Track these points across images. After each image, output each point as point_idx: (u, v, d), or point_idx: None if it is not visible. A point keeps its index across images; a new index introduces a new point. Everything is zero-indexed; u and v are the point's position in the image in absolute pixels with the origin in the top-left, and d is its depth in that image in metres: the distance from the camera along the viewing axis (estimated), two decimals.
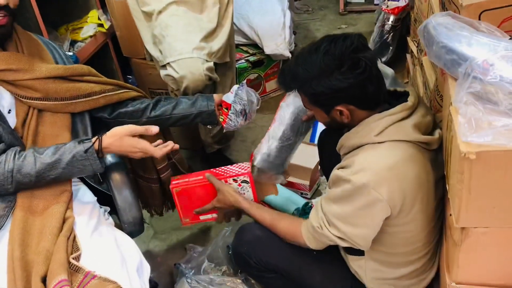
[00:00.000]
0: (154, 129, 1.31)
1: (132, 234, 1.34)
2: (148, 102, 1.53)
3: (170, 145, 1.36)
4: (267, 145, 1.53)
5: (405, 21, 3.02)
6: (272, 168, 1.57)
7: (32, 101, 1.27)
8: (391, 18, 2.98)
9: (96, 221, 1.28)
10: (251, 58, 2.87)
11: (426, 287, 1.32)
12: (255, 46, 2.93)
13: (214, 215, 1.65)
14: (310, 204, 2.03)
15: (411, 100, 1.19)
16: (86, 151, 1.20)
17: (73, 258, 1.13)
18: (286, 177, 1.69)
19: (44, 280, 1.09)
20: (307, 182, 2.20)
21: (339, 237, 1.20)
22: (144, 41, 2.02)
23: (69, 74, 1.33)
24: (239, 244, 1.44)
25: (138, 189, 1.71)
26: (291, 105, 1.52)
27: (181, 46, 1.90)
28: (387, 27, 3.01)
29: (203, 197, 1.65)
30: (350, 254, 1.32)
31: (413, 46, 2.45)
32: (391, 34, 3.02)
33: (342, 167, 1.20)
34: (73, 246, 1.17)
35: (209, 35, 1.96)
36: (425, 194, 1.17)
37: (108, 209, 1.40)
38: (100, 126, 1.47)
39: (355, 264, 1.32)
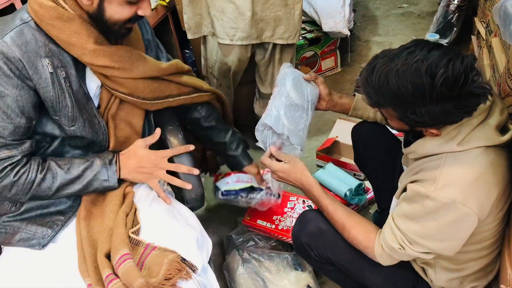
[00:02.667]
0: (157, 132, 1.36)
1: (193, 209, 1.36)
2: (208, 124, 1.58)
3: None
4: (274, 112, 1.39)
5: (472, 1, 2.87)
6: (290, 133, 1.41)
7: (117, 93, 1.27)
8: None
9: (156, 193, 1.32)
10: (308, 35, 2.83)
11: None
12: (313, 23, 2.89)
13: (269, 225, 1.78)
14: (363, 185, 2.01)
15: (488, 98, 1.08)
16: (109, 163, 1.24)
17: (132, 232, 1.16)
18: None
19: (108, 256, 1.13)
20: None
21: (424, 253, 1.16)
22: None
23: (161, 75, 1.33)
24: (300, 233, 1.38)
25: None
26: (288, 72, 1.46)
27: (232, 33, 1.95)
28: (452, 7, 2.88)
29: (275, 205, 1.78)
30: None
31: (480, 27, 2.33)
32: (456, 14, 2.89)
33: (418, 181, 1.13)
34: (133, 220, 1.21)
35: (277, 19, 1.97)
36: (507, 194, 1.12)
37: None
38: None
39: (420, 261, 1.29)
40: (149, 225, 1.21)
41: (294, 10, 2.04)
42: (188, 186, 1.31)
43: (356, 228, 1.28)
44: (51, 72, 1.12)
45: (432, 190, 1.07)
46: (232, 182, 1.67)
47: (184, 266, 1.10)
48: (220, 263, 1.80)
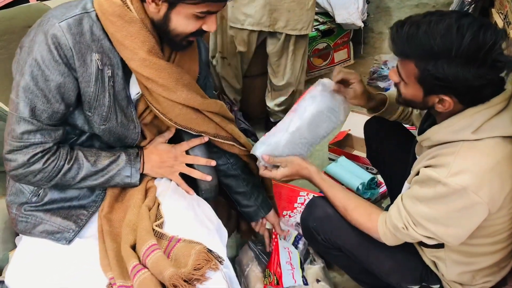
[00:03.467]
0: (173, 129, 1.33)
1: (207, 200, 1.35)
2: (234, 173, 1.47)
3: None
4: (276, 138, 1.36)
5: None
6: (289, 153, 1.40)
7: (152, 107, 1.23)
8: None
9: (175, 186, 1.31)
10: (321, 27, 2.79)
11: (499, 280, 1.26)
12: (326, 15, 2.85)
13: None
14: (376, 179, 1.99)
15: (509, 88, 1.08)
16: (131, 164, 1.23)
17: (156, 226, 1.16)
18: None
19: (133, 248, 1.13)
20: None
21: (426, 236, 1.15)
22: None
23: (202, 108, 1.26)
24: (308, 218, 1.40)
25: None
26: (317, 99, 1.34)
27: (243, 18, 1.96)
28: None
29: (285, 199, 1.78)
30: (427, 247, 1.26)
31: (498, 18, 2.28)
32: (472, 5, 2.82)
33: (431, 166, 1.11)
34: (156, 214, 1.20)
35: (291, 9, 1.96)
36: None
37: None
38: None
39: (432, 254, 1.28)
40: (172, 218, 1.20)
41: (308, 1, 2.02)
42: (208, 178, 1.30)
43: (358, 209, 1.29)
44: (99, 69, 1.10)
45: (445, 176, 1.06)
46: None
47: (212, 257, 1.09)
48: (230, 257, 1.79)
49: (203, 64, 1.35)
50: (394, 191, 1.70)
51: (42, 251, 1.17)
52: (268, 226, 1.59)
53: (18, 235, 1.26)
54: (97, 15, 1.09)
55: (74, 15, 1.07)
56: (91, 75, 1.09)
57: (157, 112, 1.22)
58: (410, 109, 1.50)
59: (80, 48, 1.07)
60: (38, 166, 1.11)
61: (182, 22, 1.09)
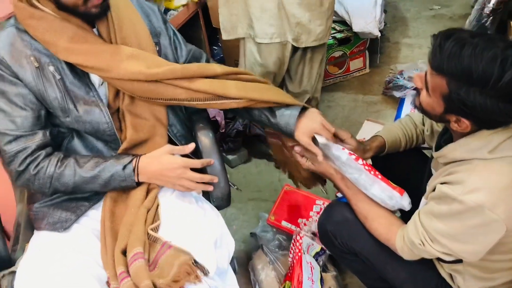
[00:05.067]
0: (191, 146, 1.25)
1: (218, 207, 1.35)
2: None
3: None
4: (338, 154, 1.34)
5: (508, 5, 2.80)
6: None
7: (113, 86, 1.25)
8: (493, 0, 2.77)
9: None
10: (338, 35, 2.80)
11: None
12: (343, 23, 2.86)
13: (294, 227, 1.71)
14: None
15: None
16: (124, 168, 1.20)
17: (151, 229, 1.16)
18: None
19: (124, 253, 1.13)
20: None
21: (443, 253, 1.15)
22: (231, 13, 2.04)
23: (149, 80, 1.22)
24: (326, 221, 1.40)
25: (285, 158, 1.57)
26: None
27: (272, 31, 1.93)
28: (487, 10, 2.81)
29: (300, 207, 1.73)
30: (445, 262, 1.26)
31: None
32: (491, 17, 2.81)
33: (447, 183, 1.11)
34: (154, 216, 1.21)
35: (308, 20, 1.95)
36: None
37: None
38: None
39: (450, 268, 1.27)
40: (169, 222, 1.20)
41: (328, 10, 2.03)
42: (215, 180, 1.26)
43: (379, 219, 1.30)
44: (36, 67, 1.16)
45: (460, 193, 1.06)
46: None
47: (195, 269, 1.08)
48: (244, 261, 1.81)
49: (158, 26, 1.34)
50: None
51: (44, 242, 1.20)
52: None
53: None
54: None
55: (3, 32, 1.17)
56: (32, 74, 1.16)
57: (121, 89, 1.24)
58: (415, 138, 1.52)
59: (13, 55, 1.15)
60: (29, 173, 1.18)
61: None
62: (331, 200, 1.85)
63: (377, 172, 1.32)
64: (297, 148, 1.39)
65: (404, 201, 1.31)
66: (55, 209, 1.24)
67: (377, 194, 1.31)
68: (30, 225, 1.32)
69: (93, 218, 1.26)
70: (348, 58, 2.90)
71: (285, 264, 1.71)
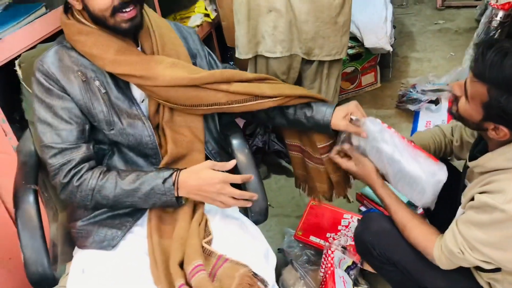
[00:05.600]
0: (232, 163, 1.23)
1: (256, 222, 1.36)
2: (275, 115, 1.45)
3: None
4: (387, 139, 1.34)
5: None
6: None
7: (155, 99, 1.29)
8: (500, 13, 2.82)
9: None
10: (350, 51, 2.85)
11: None
12: (354, 39, 2.90)
13: (322, 242, 1.72)
14: None
15: None
16: (164, 182, 1.19)
17: (205, 243, 1.17)
18: None
19: (181, 265, 1.14)
20: None
21: (483, 261, 1.16)
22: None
23: (193, 84, 1.27)
24: (364, 232, 1.41)
25: (307, 172, 1.63)
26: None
27: (283, 46, 1.97)
28: (494, 23, 2.86)
29: (328, 221, 1.73)
30: (484, 271, 1.26)
31: None
32: (499, 30, 2.87)
33: (487, 192, 1.12)
34: (205, 230, 1.22)
35: (321, 37, 1.99)
36: None
37: None
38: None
39: (487, 277, 1.27)
40: (220, 236, 1.22)
41: (343, 27, 2.07)
42: (254, 197, 1.25)
43: (417, 229, 1.30)
44: (83, 80, 1.21)
45: (501, 202, 1.07)
46: None
47: (255, 281, 1.09)
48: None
49: (194, 48, 1.41)
50: (437, 217, 1.71)
51: (92, 261, 1.21)
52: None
53: (74, 248, 1.32)
54: (69, 42, 1.23)
55: (52, 49, 1.23)
56: (79, 88, 1.20)
57: (162, 101, 1.28)
58: (443, 146, 1.53)
59: (62, 70, 1.20)
60: (73, 184, 1.19)
61: (92, 1, 1.16)
62: (358, 218, 1.87)
63: (415, 145, 1.35)
64: (346, 146, 1.41)
65: (443, 173, 1.34)
66: (100, 227, 1.24)
67: (413, 170, 1.32)
68: (68, 244, 1.33)
69: (138, 234, 1.26)
70: (360, 73, 2.94)
71: (315, 279, 1.70)
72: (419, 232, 1.30)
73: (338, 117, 1.38)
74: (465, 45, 3.21)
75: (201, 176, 1.20)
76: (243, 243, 1.21)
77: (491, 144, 1.20)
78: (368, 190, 2.07)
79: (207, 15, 2.62)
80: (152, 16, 1.34)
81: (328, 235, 1.81)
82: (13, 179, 1.57)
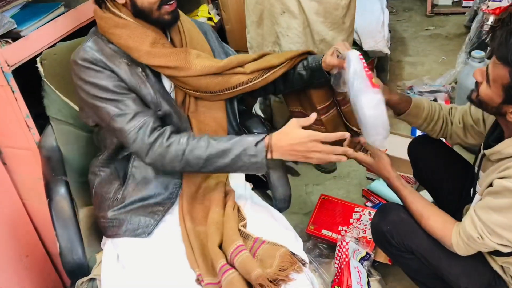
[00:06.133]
0: (313, 116, 1.20)
1: (280, 210, 1.42)
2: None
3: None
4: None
5: (505, 21, 2.97)
6: None
7: (186, 90, 1.36)
8: (491, 18, 2.94)
9: (250, 193, 1.38)
10: None
11: None
12: (353, 43, 2.98)
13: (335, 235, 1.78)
14: None
15: None
16: (256, 144, 1.17)
17: (241, 226, 1.23)
18: None
19: (219, 247, 1.19)
20: (411, 175, 2.22)
21: (502, 245, 1.21)
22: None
23: (220, 71, 1.36)
24: (381, 222, 1.46)
25: None
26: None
27: (297, 47, 2.03)
28: (486, 27, 2.98)
29: (339, 215, 1.78)
30: (499, 255, 1.32)
31: None
32: (490, 34, 2.99)
33: (506, 177, 1.17)
34: (238, 216, 1.27)
35: (331, 38, 2.05)
36: None
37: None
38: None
39: (501, 261, 1.33)
40: (253, 221, 1.27)
41: (349, 28, 2.14)
42: (343, 159, 1.23)
43: (434, 217, 1.36)
44: (128, 65, 1.26)
45: None
46: None
47: (295, 260, 1.15)
48: None
49: (214, 43, 1.49)
50: (444, 207, 1.77)
51: (127, 248, 1.25)
52: None
53: (102, 240, 1.35)
54: (103, 35, 1.28)
55: (90, 39, 1.29)
56: (126, 71, 1.25)
57: (191, 91, 1.35)
58: (436, 117, 1.58)
59: (107, 57, 1.25)
60: (163, 145, 1.20)
61: None
62: (369, 211, 1.92)
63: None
64: (362, 138, 1.46)
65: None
66: (133, 216, 1.27)
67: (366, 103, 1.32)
68: (94, 236, 1.36)
69: (170, 222, 1.30)
70: None
71: (328, 271, 1.74)
72: (436, 220, 1.35)
73: (327, 55, 1.42)
74: (456, 50, 3.32)
75: (292, 136, 1.18)
76: (274, 227, 1.27)
77: (507, 130, 1.26)
78: (374, 186, 2.14)
79: (210, 19, 2.67)
80: (183, 18, 1.41)
81: (340, 228, 1.86)
82: (32, 175, 1.60)
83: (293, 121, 1.20)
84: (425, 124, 1.61)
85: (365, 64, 1.35)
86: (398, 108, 1.59)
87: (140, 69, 1.27)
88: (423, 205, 1.39)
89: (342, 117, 1.66)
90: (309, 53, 1.52)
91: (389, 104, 1.55)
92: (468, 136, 1.56)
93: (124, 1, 1.24)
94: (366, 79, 1.32)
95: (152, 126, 1.22)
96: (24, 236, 1.68)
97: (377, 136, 1.37)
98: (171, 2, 1.25)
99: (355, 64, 1.33)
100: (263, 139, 1.19)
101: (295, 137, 1.17)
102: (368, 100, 1.31)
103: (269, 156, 1.18)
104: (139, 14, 1.25)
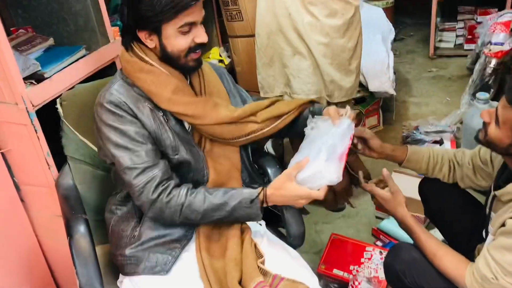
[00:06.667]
0: (305, 161, 1.27)
1: (293, 246, 1.43)
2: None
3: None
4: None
5: (507, 63, 3.06)
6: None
7: (202, 132, 1.40)
8: (493, 61, 3.03)
9: (264, 230, 1.40)
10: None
11: None
12: (359, 84, 3.06)
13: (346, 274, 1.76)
14: None
15: None
16: (251, 201, 1.26)
17: (260, 263, 1.24)
18: None
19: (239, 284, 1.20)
20: (419, 214, 2.24)
21: None
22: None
23: (234, 121, 1.41)
24: (394, 261, 1.46)
25: None
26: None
27: (309, 88, 2.10)
28: (488, 70, 3.06)
29: (350, 254, 1.77)
30: None
31: None
32: (493, 77, 3.06)
33: None
34: (256, 252, 1.29)
35: (339, 78, 2.12)
36: None
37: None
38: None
39: None
40: (270, 257, 1.28)
41: (355, 69, 2.21)
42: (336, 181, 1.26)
43: (447, 257, 1.35)
44: (151, 109, 1.30)
45: None
46: None
47: None
48: None
49: (229, 85, 1.54)
50: (455, 247, 1.78)
51: (146, 287, 1.26)
52: None
53: (119, 278, 1.36)
54: (127, 78, 1.33)
55: (116, 82, 1.33)
56: (148, 116, 1.30)
57: (206, 135, 1.39)
58: (440, 160, 1.61)
59: (131, 100, 1.29)
60: (163, 201, 1.25)
61: (173, 42, 1.27)
62: (380, 250, 1.92)
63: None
64: (366, 186, 1.49)
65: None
66: (151, 253, 1.29)
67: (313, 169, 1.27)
68: (110, 274, 1.38)
69: (185, 259, 1.31)
70: (364, 116, 3.07)
71: None
72: (450, 260, 1.35)
73: (331, 108, 1.45)
74: (459, 91, 3.40)
75: (284, 193, 1.27)
76: (291, 263, 1.28)
77: None
78: (384, 225, 2.14)
79: (221, 61, 2.76)
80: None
81: (351, 267, 1.86)
82: (47, 212, 1.63)
83: (284, 175, 1.28)
84: (430, 169, 1.64)
85: (350, 142, 1.35)
86: (395, 157, 1.64)
87: (161, 113, 1.32)
88: (436, 244, 1.40)
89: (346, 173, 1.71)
90: (315, 102, 1.59)
91: (382, 156, 1.63)
92: (478, 178, 1.59)
93: (154, 45, 1.29)
94: (340, 152, 1.30)
95: (159, 181, 1.26)
96: (38, 273, 1.69)
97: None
98: (198, 51, 1.31)
99: (343, 132, 1.33)
100: (257, 196, 1.26)
101: (286, 193, 1.27)
102: (322, 167, 1.27)
103: (264, 205, 1.27)
104: (166, 59, 1.30)
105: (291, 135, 1.62)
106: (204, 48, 1.36)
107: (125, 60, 1.33)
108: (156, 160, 1.28)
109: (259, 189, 1.28)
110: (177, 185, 1.29)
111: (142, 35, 1.27)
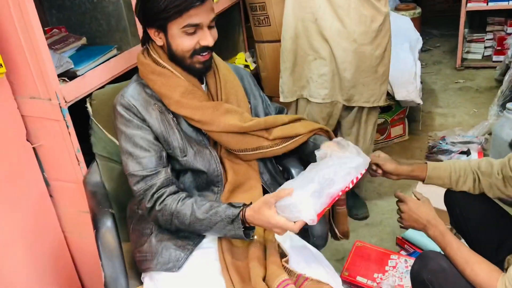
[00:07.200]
0: (288, 192, 1.16)
1: (317, 247, 1.42)
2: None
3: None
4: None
5: None
6: None
7: (211, 137, 1.41)
8: None
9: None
10: None
11: None
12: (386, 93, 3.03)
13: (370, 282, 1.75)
14: None
15: None
16: (232, 220, 1.20)
17: (284, 262, 1.23)
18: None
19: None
20: (447, 226, 2.19)
21: None
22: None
23: (243, 132, 1.39)
24: (421, 270, 1.42)
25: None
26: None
27: (325, 93, 2.11)
28: None
29: (375, 262, 1.76)
30: None
31: None
32: None
33: None
34: (279, 252, 1.27)
35: (362, 85, 2.12)
36: None
37: None
38: None
39: None
40: (294, 257, 1.27)
41: (382, 76, 2.19)
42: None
43: (479, 265, 1.32)
44: (160, 112, 1.33)
45: None
46: None
47: None
48: None
49: (249, 88, 1.53)
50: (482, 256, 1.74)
51: (164, 282, 1.26)
52: None
53: (142, 274, 1.38)
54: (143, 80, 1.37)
55: (132, 85, 1.37)
56: (157, 118, 1.32)
57: (217, 140, 1.39)
58: (463, 173, 1.58)
59: (141, 103, 1.32)
60: (156, 209, 1.27)
61: (178, 41, 1.28)
62: (405, 258, 1.89)
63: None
64: (399, 194, 1.49)
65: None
66: (164, 249, 1.29)
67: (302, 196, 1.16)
68: (134, 270, 1.39)
69: (198, 257, 1.31)
70: (389, 125, 3.04)
71: None
72: (482, 268, 1.31)
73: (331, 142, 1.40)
74: (487, 103, 3.34)
75: (260, 217, 1.18)
76: (315, 264, 1.27)
77: None
78: (409, 234, 2.11)
79: (246, 66, 2.78)
80: (216, 57, 1.47)
81: (375, 275, 1.83)
82: (75, 208, 1.65)
83: (262, 200, 1.18)
84: (453, 183, 1.61)
85: (351, 184, 1.24)
86: (414, 177, 1.62)
87: (171, 115, 1.34)
88: (469, 252, 1.36)
89: (329, 215, 1.56)
90: (325, 130, 1.55)
91: (401, 178, 1.61)
92: (508, 188, 1.55)
93: (162, 43, 1.32)
94: (333, 192, 1.20)
95: (156, 189, 1.27)
96: (63, 268, 1.71)
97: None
98: (204, 54, 1.31)
99: (349, 170, 1.24)
100: (237, 216, 1.20)
101: (262, 218, 1.16)
102: (302, 201, 1.15)
103: (247, 225, 1.21)
104: (173, 58, 1.33)
105: (293, 154, 1.56)
106: (212, 51, 1.36)
107: (140, 62, 1.37)
108: (157, 169, 1.29)
109: (239, 209, 1.21)
110: (174, 192, 1.29)
111: (151, 32, 1.31)
